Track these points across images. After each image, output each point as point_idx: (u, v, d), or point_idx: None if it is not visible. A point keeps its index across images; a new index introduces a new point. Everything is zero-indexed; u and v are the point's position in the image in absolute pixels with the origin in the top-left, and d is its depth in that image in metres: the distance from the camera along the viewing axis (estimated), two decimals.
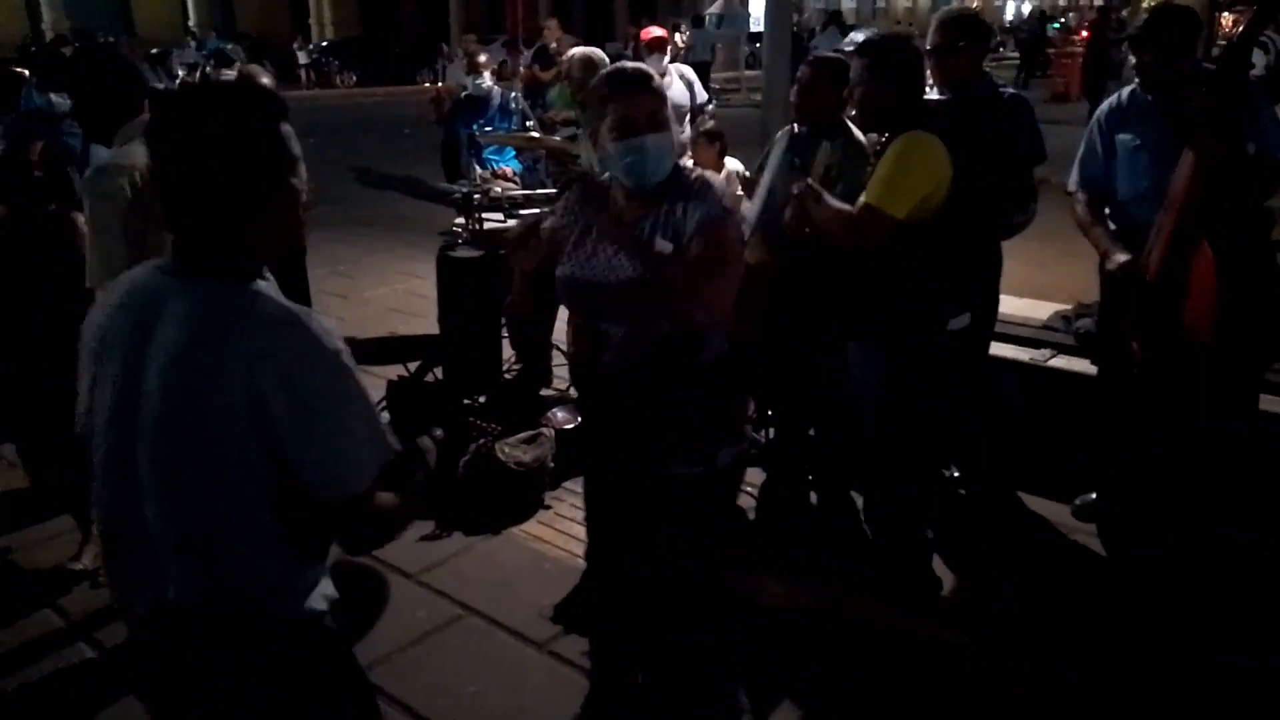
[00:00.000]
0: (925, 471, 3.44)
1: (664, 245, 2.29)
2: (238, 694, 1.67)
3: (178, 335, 1.54)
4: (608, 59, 5.31)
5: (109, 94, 3.12)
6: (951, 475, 4.00)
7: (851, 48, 6.59)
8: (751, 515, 3.94)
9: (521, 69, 7.94)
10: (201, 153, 1.52)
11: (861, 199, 3.03)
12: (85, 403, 1.66)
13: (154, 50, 20.16)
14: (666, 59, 6.90)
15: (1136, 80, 3.57)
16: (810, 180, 3.21)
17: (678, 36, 11.87)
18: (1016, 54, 25.77)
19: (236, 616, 1.64)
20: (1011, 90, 3.92)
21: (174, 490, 1.57)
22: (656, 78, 2.35)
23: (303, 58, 26.86)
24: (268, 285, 1.61)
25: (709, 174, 2.40)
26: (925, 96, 3.38)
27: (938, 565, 3.49)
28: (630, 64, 2.43)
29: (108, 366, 1.61)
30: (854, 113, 3.42)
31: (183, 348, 1.53)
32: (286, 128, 1.64)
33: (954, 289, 3.14)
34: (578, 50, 5.41)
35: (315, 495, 1.57)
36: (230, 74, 7.33)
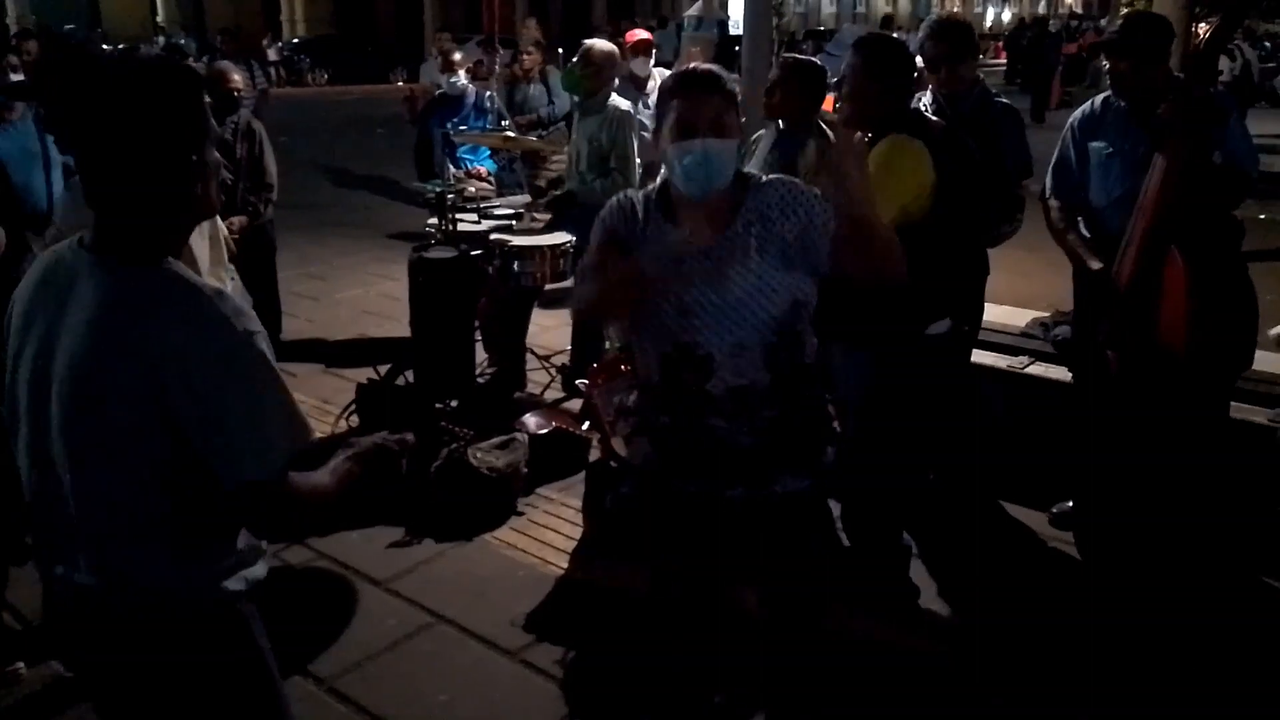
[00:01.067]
0: (904, 477, 3.41)
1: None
2: (135, 676, 1.68)
3: (86, 316, 1.53)
4: (617, 58, 5.31)
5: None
6: (931, 481, 3.98)
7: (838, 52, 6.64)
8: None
9: (498, 67, 7.86)
10: (113, 127, 1.51)
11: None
12: (9, 379, 1.65)
13: (120, 46, 19.91)
14: (651, 61, 6.86)
15: (1110, 87, 3.58)
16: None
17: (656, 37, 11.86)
18: (1004, 62, 26.02)
19: (136, 602, 1.62)
20: (1003, 100, 3.91)
21: (79, 473, 1.57)
22: (729, 80, 2.23)
23: (272, 55, 26.64)
24: (179, 265, 1.58)
25: (783, 177, 2.32)
26: (913, 97, 3.37)
27: (917, 572, 3.47)
28: (702, 64, 2.33)
29: (28, 343, 1.60)
30: (844, 110, 3.39)
31: (89, 329, 1.51)
32: (205, 101, 1.62)
33: (934, 294, 3.11)
34: (608, 45, 5.42)
35: (223, 481, 1.54)
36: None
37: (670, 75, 2.29)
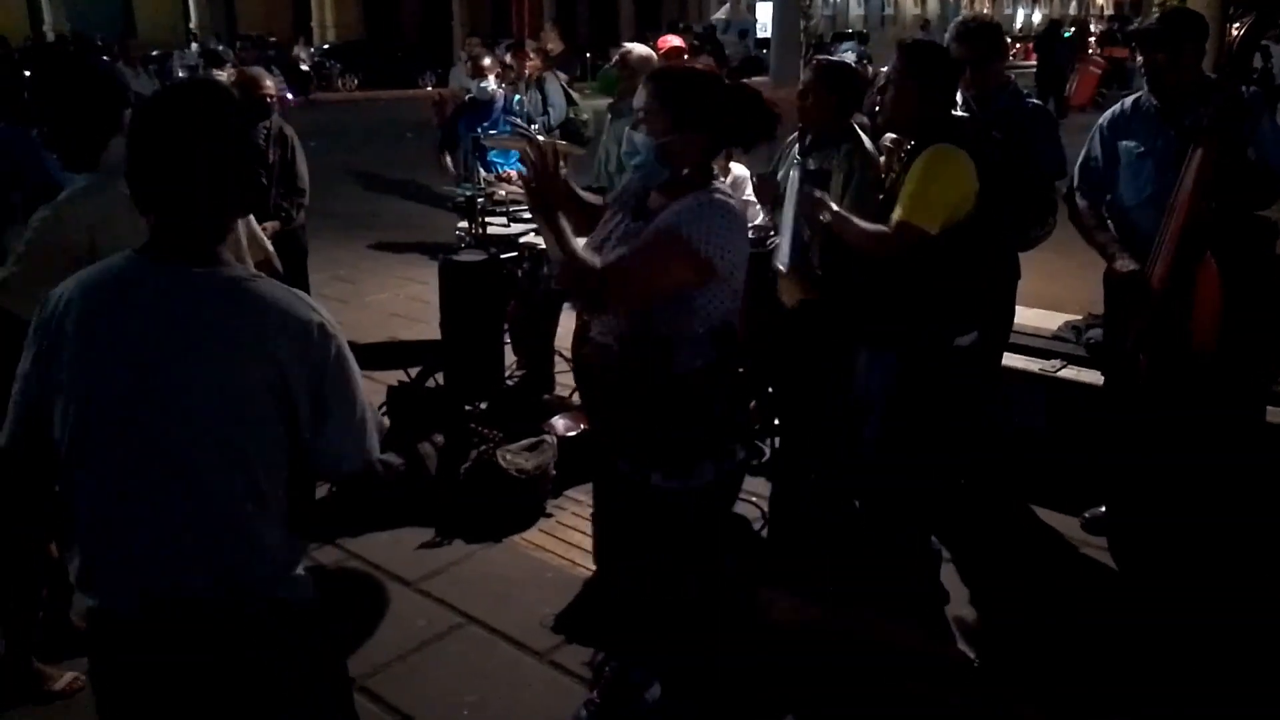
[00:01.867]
0: (929, 479, 3.39)
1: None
2: (232, 680, 1.68)
3: (188, 323, 1.58)
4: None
5: (84, 113, 2.75)
6: (960, 485, 3.96)
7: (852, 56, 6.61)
8: (759, 526, 3.90)
9: (526, 72, 7.89)
10: (177, 149, 1.59)
11: (895, 214, 2.98)
12: (72, 403, 1.61)
13: (154, 53, 20.15)
14: None
15: (1145, 84, 3.55)
16: (833, 206, 3.16)
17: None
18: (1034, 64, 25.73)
19: (245, 603, 1.65)
20: (1034, 101, 3.88)
21: (190, 474, 1.59)
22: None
23: (304, 60, 26.88)
24: (238, 263, 1.69)
25: (714, 188, 2.35)
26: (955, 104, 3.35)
27: (947, 577, 3.45)
28: (682, 68, 2.57)
29: (101, 361, 1.59)
30: (879, 116, 3.37)
31: (202, 335, 1.57)
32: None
33: (964, 306, 3.09)
34: (647, 51, 5.40)
35: (323, 472, 1.68)
36: (222, 75, 7.27)
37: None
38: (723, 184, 2.41)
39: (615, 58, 5.25)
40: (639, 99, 2.34)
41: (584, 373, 2.57)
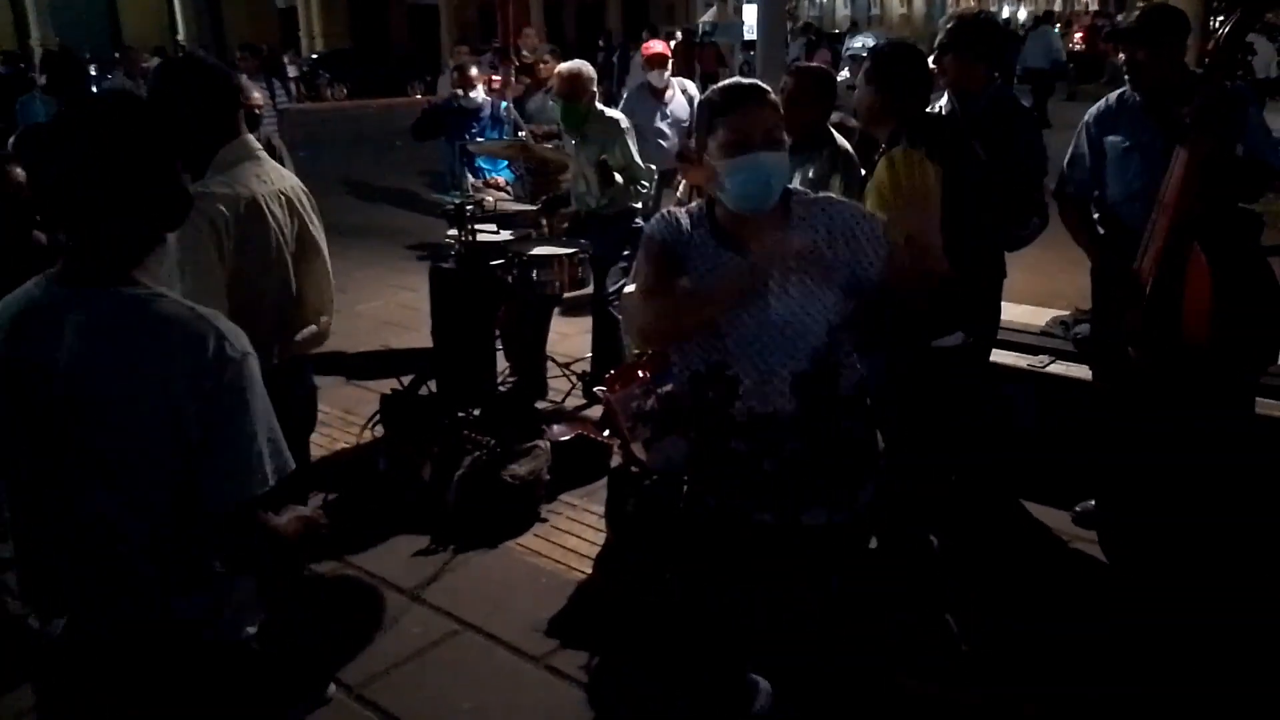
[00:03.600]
0: (922, 479, 3.40)
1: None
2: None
3: (86, 347, 1.54)
4: (593, 72, 5.28)
5: (202, 116, 2.68)
6: (951, 482, 3.98)
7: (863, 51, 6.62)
8: None
9: (513, 79, 7.91)
10: (78, 164, 1.54)
11: None
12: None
13: (142, 64, 20.08)
14: (668, 73, 6.88)
15: (1127, 81, 3.57)
16: None
17: (673, 45, 11.87)
18: None
19: (163, 639, 1.63)
20: (1017, 99, 3.90)
21: (84, 511, 1.57)
22: (771, 93, 2.20)
23: (292, 71, 26.82)
24: (152, 282, 1.62)
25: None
26: (928, 104, 3.36)
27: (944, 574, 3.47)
28: (745, 79, 2.30)
29: (17, 384, 1.59)
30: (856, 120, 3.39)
31: (98, 358, 1.53)
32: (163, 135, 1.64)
33: (944, 308, 3.08)
34: (564, 65, 5.37)
35: (206, 502, 1.57)
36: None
37: (715, 90, 2.22)
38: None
39: (563, 88, 5.17)
40: (759, 119, 2.12)
41: (755, 426, 2.25)
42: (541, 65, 7.61)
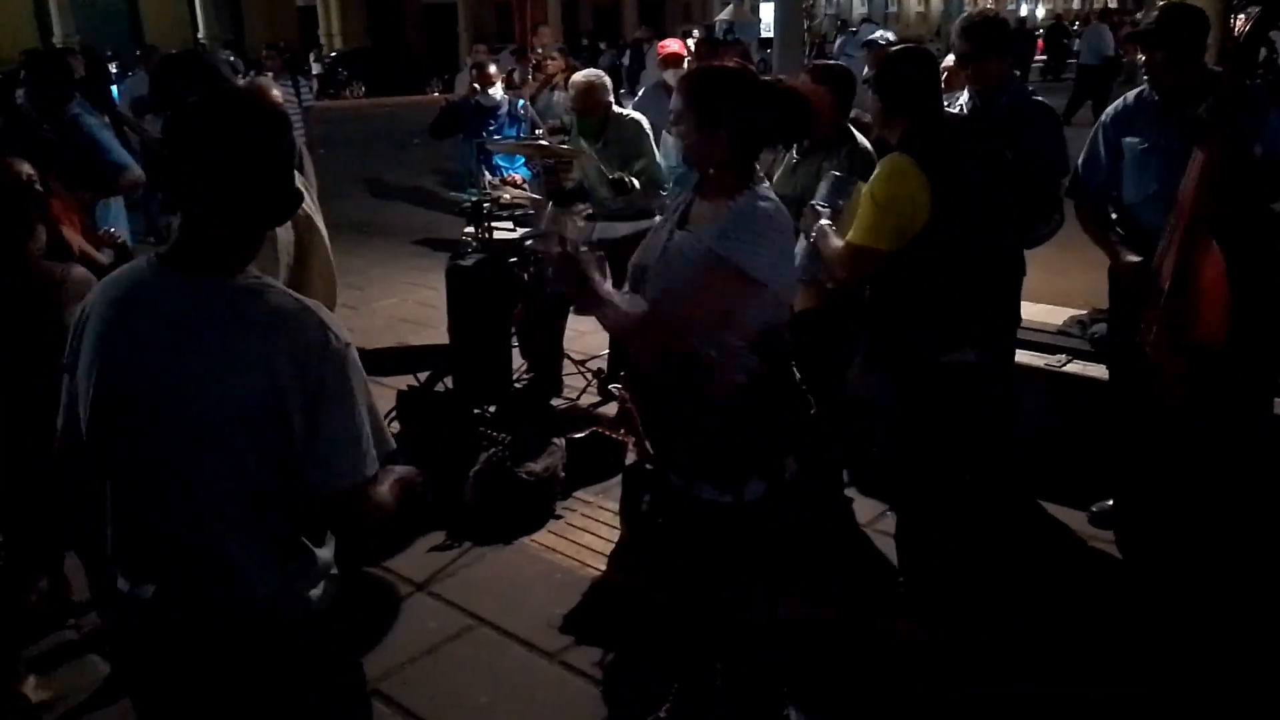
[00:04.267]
0: (936, 485, 3.39)
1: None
2: (231, 690, 1.69)
3: (191, 331, 1.57)
4: (607, 79, 5.28)
5: None
6: (966, 484, 3.97)
7: (882, 41, 6.56)
8: None
9: (530, 77, 7.93)
10: (215, 153, 1.58)
11: (847, 237, 3.00)
12: (75, 395, 1.69)
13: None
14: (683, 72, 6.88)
15: (1145, 81, 3.55)
16: (822, 222, 3.15)
17: (690, 43, 11.85)
18: (1043, 58, 25.63)
19: (233, 613, 1.65)
20: (1038, 99, 3.88)
21: (177, 487, 1.60)
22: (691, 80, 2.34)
23: (316, 69, 26.98)
24: (268, 278, 1.66)
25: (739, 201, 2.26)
26: (938, 105, 3.34)
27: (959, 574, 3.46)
28: (710, 68, 2.42)
29: (104, 359, 1.63)
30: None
31: (200, 343, 1.57)
32: (290, 137, 1.70)
33: (946, 322, 3.06)
34: (577, 77, 5.37)
35: (317, 487, 1.61)
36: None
37: None
38: (764, 187, 2.32)
39: (578, 103, 5.18)
40: (674, 102, 2.31)
41: (636, 384, 2.49)
42: (549, 62, 7.63)
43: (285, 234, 2.74)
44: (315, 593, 1.72)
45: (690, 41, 12.75)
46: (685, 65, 6.94)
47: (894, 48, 3.47)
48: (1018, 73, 3.96)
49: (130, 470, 1.64)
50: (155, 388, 1.58)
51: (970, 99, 3.76)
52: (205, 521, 1.61)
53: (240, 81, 7.26)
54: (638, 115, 5.20)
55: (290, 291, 1.66)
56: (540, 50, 8.06)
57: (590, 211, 5.22)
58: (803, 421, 2.42)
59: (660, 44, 7.67)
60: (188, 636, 1.68)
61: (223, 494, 1.60)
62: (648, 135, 5.06)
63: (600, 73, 5.35)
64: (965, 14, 4.03)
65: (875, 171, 2.99)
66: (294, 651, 1.71)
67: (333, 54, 29.36)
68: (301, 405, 1.57)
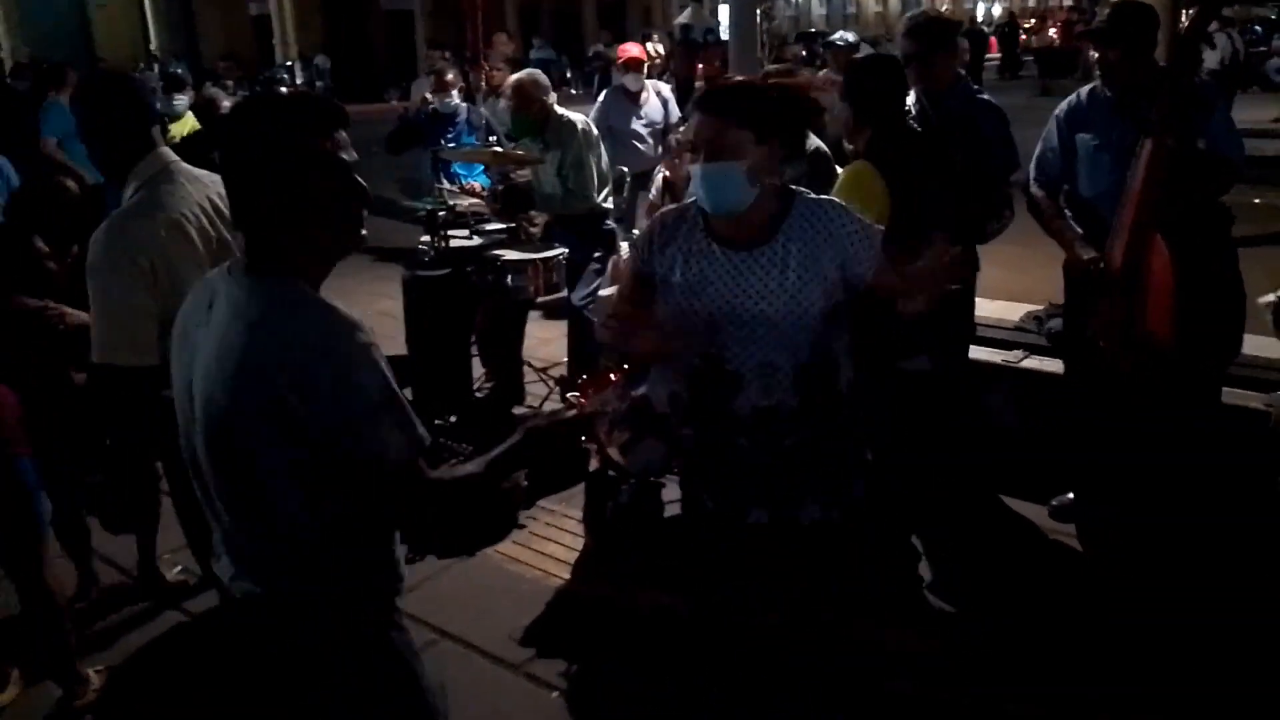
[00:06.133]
0: (904, 485, 3.40)
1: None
2: (278, 679, 1.75)
3: (217, 331, 1.59)
4: (543, 78, 5.26)
5: (118, 129, 2.80)
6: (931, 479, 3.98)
7: (841, 43, 6.58)
8: None
9: (484, 84, 7.88)
10: (256, 158, 1.60)
11: None
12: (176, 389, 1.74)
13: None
14: (643, 76, 6.87)
15: (1098, 77, 3.58)
16: None
17: (650, 48, 11.83)
18: (997, 56, 25.98)
19: (286, 609, 1.69)
20: (984, 97, 3.91)
21: (223, 482, 1.64)
22: (746, 98, 2.19)
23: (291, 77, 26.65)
24: (309, 285, 1.63)
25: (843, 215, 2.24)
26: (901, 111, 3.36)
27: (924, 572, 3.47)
28: (732, 83, 2.33)
29: (183, 357, 1.68)
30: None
31: (216, 343, 1.58)
32: (342, 135, 1.68)
33: (900, 329, 3.07)
34: (513, 76, 5.36)
35: (362, 475, 1.57)
36: (182, 98, 7.18)
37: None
38: (804, 191, 2.30)
39: (511, 102, 5.16)
40: (698, 130, 2.16)
41: (756, 420, 2.26)
42: (495, 73, 7.62)
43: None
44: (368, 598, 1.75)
45: (650, 46, 12.75)
46: (645, 70, 6.94)
47: (858, 55, 3.49)
48: (963, 72, 3.98)
49: (194, 463, 1.69)
50: (196, 387, 1.62)
51: (917, 99, 3.78)
52: (241, 520, 1.65)
53: (188, 95, 7.22)
54: (575, 117, 5.19)
55: (309, 292, 1.62)
56: (500, 61, 8.00)
57: (546, 220, 5.22)
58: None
59: (620, 48, 7.66)
60: (254, 626, 1.74)
61: (251, 495, 1.61)
62: (578, 136, 5.04)
63: (536, 72, 5.34)
64: (909, 14, 4.05)
65: (839, 180, 3.00)
66: (331, 653, 1.72)
67: (287, 63, 29.06)
68: (313, 406, 1.52)
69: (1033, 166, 3.72)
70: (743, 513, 2.33)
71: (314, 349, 1.54)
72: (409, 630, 1.85)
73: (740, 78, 2.30)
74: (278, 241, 1.61)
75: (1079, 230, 3.53)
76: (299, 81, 22.13)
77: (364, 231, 1.73)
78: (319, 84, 24.74)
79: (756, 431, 2.25)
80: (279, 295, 1.59)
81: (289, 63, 28.76)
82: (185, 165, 2.91)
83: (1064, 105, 3.70)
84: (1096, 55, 3.52)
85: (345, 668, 1.73)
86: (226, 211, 2.94)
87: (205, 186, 2.89)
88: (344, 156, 1.65)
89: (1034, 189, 3.70)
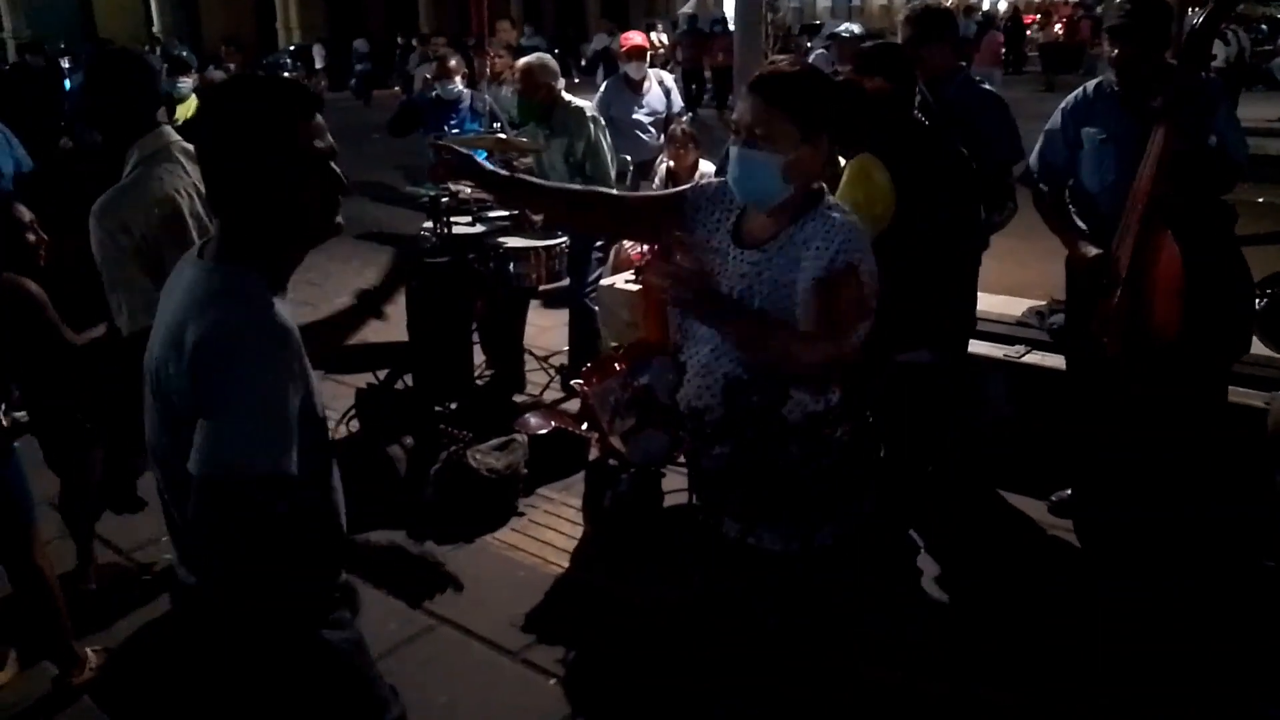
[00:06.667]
0: (905, 481, 3.40)
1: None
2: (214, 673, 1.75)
3: (172, 306, 1.60)
4: (551, 62, 5.24)
5: (123, 107, 2.84)
6: (928, 471, 3.98)
7: (847, 34, 6.57)
8: None
9: (488, 70, 7.86)
10: (220, 142, 1.58)
11: None
12: None
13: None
14: (646, 65, 6.85)
15: (1111, 72, 3.57)
16: None
17: (654, 37, 11.80)
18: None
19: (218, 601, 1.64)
20: (985, 86, 3.90)
21: (158, 460, 1.65)
22: (802, 84, 2.00)
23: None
24: (255, 273, 1.59)
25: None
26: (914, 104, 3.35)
27: (923, 566, 3.48)
28: (784, 66, 2.07)
29: (150, 344, 1.67)
30: None
31: (169, 316, 1.58)
32: (319, 120, 1.63)
33: (900, 320, 3.06)
34: (521, 60, 5.34)
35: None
36: (187, 81, 7.17)
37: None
38: (831, 196, 2.12)
39: (519, 85, 5.15)
40: (744, 113, 2.00)
41: (690, 419, 2.17)
42: (497, 60, 7.60)
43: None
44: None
45: (655, 35, 12.71)
46: (647, 58, 6.92)
47: (864, 44, 3.48)
48: (963, 63, 3.97)
49: (150, 453, 1.68)
50: (151, 374, 1.62)
51: (919, 91, 3.77)
52: (176, 504, 1.63)
53: (193, 78, 7.21)
54: (582, 103, 5.17)
55: (244, 278, 1.57)
56: (502, 48, 7.99)
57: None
58: (875, 457, 2.22)
59: (623, 36, 7.64)
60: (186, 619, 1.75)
61: (174, 476, 1.58)
62: (589, 124, 5.03)
63: (545, 56, 5.32)
64: (913, 4, 4.05)
65: (845, 173, 2.98)
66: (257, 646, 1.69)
67: (290, 47, 28.96)
68: (197, 381, 1.48)
69: (1035, 159, 3.71)
70: (719, 521, 2.21)
71: (224, 333, 1.49)
72: (351, 626, 1.83)
73: (796, 66, 2.06)
74: (245, 226, 1.60)
75: (1083, 226, 3.53)
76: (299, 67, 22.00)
77: (339, 220, 1.68)
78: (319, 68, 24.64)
79: (690, 430, 2.16)
80: (225, 283, 1.56)
81: (290, 47, 28.67)
82: (186, 146, 2.91)
83: (1070, 98, 3.69)
84: (1111, 50, 3.49)
85: (271, 664, 1.70)
86: None
87: None
88: (319, 144, 1.60)
89: (1039, 184, 3.69)
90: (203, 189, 2.81)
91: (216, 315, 1.51)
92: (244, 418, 1.47)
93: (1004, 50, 20.94)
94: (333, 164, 1.63)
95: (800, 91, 1.97)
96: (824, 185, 2.09)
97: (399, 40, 23.65)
